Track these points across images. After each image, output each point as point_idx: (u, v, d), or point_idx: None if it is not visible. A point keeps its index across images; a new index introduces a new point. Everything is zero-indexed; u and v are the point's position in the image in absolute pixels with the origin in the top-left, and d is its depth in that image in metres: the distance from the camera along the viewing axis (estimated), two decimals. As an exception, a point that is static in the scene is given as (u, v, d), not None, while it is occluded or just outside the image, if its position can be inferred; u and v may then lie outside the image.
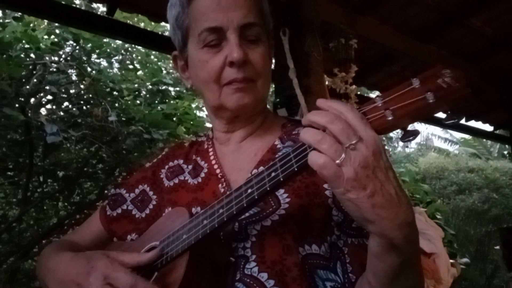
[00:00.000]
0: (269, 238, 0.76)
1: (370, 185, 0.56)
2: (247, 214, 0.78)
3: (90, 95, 3.81)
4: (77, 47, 3.89)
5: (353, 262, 0.76)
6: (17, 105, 3.39)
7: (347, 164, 0.55)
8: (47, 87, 3.72)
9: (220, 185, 0.87)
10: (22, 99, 3.56)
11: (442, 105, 0.54)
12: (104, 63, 4.40)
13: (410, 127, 0.58)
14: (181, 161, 0.99)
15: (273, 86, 2.79)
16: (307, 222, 0.78)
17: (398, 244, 0.58)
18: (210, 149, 0.96)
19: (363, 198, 0.56)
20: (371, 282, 0.67)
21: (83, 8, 4.05)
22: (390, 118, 0.56)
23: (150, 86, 4.32)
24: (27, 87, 3.69)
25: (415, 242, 0.62)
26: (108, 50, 4.25)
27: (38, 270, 0.95)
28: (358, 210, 0.57)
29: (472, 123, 5.22)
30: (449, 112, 0.56)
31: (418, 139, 13.40)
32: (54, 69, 3.75)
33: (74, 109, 3.72)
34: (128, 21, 4.92)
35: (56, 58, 3.89)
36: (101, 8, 4.63)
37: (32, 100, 3.76)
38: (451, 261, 2.88)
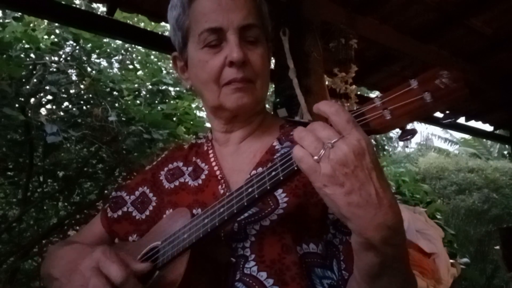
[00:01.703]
0: (268, 238, 0.77)
1: (347, 183, 0.56)
2: (246, 215, 0.78)
3: (90, 95, 3.81)
4: (77, 47, 3.89)
5: (347, 260, 0.76)
6: (17, 105, 3.39)
7: (324, 160, 0.57)
8: (47, 87, 3.72)
9: (219, 187, 0.88)
10: (22, 99, 3.56)
11: (440, 105, 0.55)
12: (104, 63, 4.40)
13: (409, 126, 0.59)
14: (180, 164, 1.00)
15: (273, 86, 2.79)
16: (305, 221, 0.79)
17: (375, 244, 0.58)
18: (210, 151, 0.97)
19: (339, 195, 0.57)
20: (357, 278, 0.68)
21: (83, 8, 4.05)
22: (388, 117, 0.58)
23: (150, 86, 4.32)
24: (27, 87, 3.69)
25: (397, 245, 0.61)
26: (108, 50, 4.25)
27: (45, 263, 0.97)
28: (335, 206, 0.58)
29: (472, 123, 5.22)
30: (446, 112, 0.57)
31: (418, 139, 13.43)
32: (54, 69, 3.75)
33: (74, 109, 3.72)
34: (128, 21, 4.92)
35: (56, 58, 3.88)
36: (101, 8, 4.64)
37: (32, 100, 3.76)
38: (451, 261, 2.88)
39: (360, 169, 0.57)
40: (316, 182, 0.58)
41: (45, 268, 0.95)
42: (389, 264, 0.62)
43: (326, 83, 2.71)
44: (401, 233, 0.61)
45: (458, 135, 12.22)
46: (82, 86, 3.89)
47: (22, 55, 3.60)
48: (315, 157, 0.58)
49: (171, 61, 1.04)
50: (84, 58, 3.90)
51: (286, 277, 0.73)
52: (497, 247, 5.61)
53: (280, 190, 0.81)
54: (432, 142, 13.35)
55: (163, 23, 3.72)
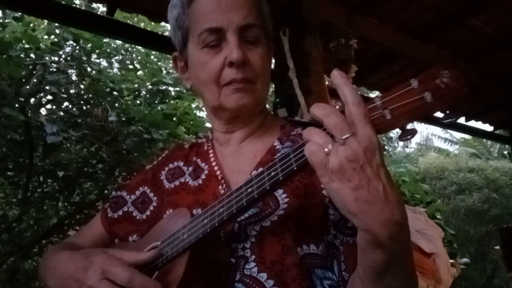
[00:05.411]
0: (269, 239, 0.77)
1: (355, 179, 0.56)
2: (246, 215, 0.78)
3: (90, 95, 3.80)
4: (77, 47, 3.88)
5: (347, 261, 0.76)
6: (17, 105, 3.38)
7: (333, 154, 0.57)
8: (47, 87, 3.72)
9: (220, 187, 0.88)
10: (22, 99, 3.55)
11: (440, 104, 0.55)
12: (104, 63, 4.40)
13: (409, 126, 0.59)
14: (181, 163, 0.99)
15: (273, 86, 2.79)
16: (306, 222, 0.78)
17: (382, 241, 0.58)
18: (210, 151, 0.97)
19: (346, 190, 0.56)
20: (361, 276, 0.68)
21: (83, 8, 4.05)
22: (388, 117, 0.57)
23: (150, 86, 4.32)
24: (27, 87, 3.69)
25: (403, 242, 0.61)
26: (108, 50, 4.24)
27: (39, 271, 0.96)
28: (341, 201, 0.58)
29: (472, 123, 5.22)
30: (447, 112, 0.56)
31: (418, 139, 13.43)
32: (54, 69, 3.74)
33: (74, 109, 3.71)
34: (128, 21, 4.92)
35: (56, 58, 3.88)
36: (101, 8, 4.64)
37: (32, 100, 3.76)
38: (451, 261, 2.88)
39: (368, 165, 0.56)
40: (323, 176, 0.58)
41: (41, 273, 0.94)
42: (395, 261, 0.62)
43: (326, 83, 2.70)
44: (407, 230, 0.61)
45: (458, 135, 12.23)
46: (82, 86, 3.88)
47: (22, 55, 3.59)
48: (325, 150, 0.57)
49: (171, 61, 1.03)
50: (84, 58, 3.89)
51: (286, 278, 0.73)
52: (497, 247, 5.59)
53: (280, 191, 0.80)
54: (432, 142, 13.36)
55: (163, 23, 3.72)
